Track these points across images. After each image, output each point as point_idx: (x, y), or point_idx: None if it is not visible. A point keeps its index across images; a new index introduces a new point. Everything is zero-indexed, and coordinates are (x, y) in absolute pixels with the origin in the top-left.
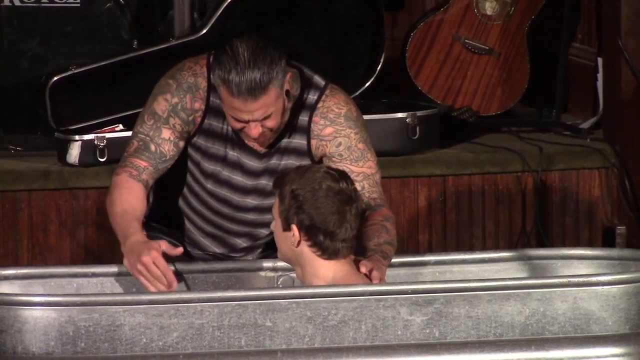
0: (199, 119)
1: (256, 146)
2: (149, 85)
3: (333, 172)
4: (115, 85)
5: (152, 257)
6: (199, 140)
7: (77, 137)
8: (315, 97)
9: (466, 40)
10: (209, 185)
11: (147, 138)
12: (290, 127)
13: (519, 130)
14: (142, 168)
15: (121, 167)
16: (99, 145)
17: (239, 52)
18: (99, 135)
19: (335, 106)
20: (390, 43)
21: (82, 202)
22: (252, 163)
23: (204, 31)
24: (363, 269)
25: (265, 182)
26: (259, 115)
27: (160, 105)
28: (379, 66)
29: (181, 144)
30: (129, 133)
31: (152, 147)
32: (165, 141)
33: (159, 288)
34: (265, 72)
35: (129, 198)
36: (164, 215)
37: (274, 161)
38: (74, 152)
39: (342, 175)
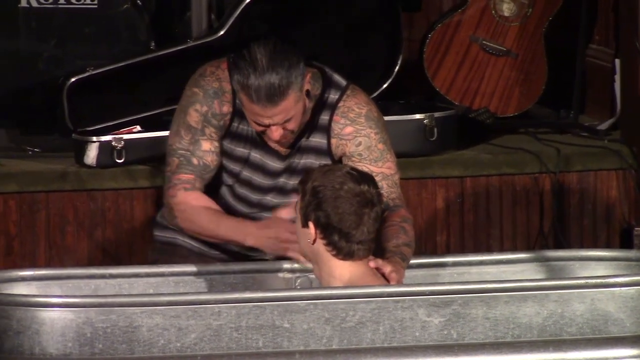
0: (228, 122)
1: (277, 147)
2: (166, 87)
3: (356, 173)
4: (133, 87)
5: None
6: (225, 143)
7: (94, 139)
8: (337, 97)
9: (484, 42)
10: (230, 184)
11: (188, 153)
12: (310, 126)
13: (536, 132)
14: (192, 180)
15: (172, 188)
16: (117, 147)
17: (256, 57)
18: (116, 136)
19: (356, 106)
20: (408, 44)
21: (99, 203)
22: (274, 164)
23: (222, 32)
24: (385, 269)
25: (284, 181)
26: (279, 119)
27: (193, 117)
28: (397, 67)
29: (220, 151)
30: (147, 134)
31: (195, 161)
32: (206, 153)
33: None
34: (283, 77)
35: (204, 205)
36: None
37: (294, 160)
38: (92, 154)
39: (365, 178)
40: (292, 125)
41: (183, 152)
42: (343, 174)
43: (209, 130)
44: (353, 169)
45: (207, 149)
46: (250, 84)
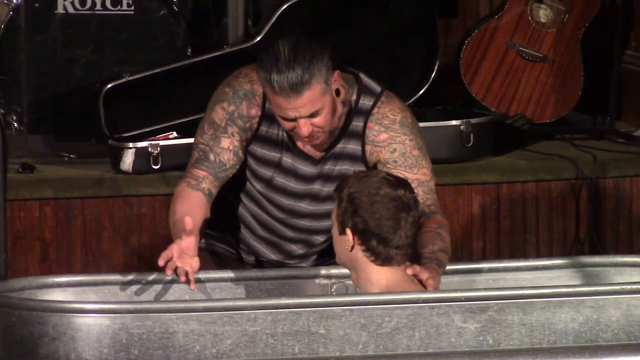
0: (255, 126)
1: (311, 151)
2: (202, 93)
3: (392, 178)
4: (169, 93)
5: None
6: (255, 147)
7: (130, 145)
8: (371, 103)
9: (520, 48)
10: (263, 191)
11: (207, 148)
12: (345, 132)
13: (572, 138)
14: (202, 177)
15: (182, 178)
16: (153, 153)
17: (280, 51)
18: (152, 142)
19: (391, 112)
20: (444, 50)
21: (135, 209)
22: (307, 169)
23: (258, 38)
24: (423, 276)
25: (319, 187)
26: (305, 111)
27: (219, 114)
28: (433, 73)
29: (241, 153)
30: (183, 140)
31: (212, 157)
32: (224, 150)
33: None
34: (306, 67)
35: (184, 207)
36: (220, 221)
37: (328, 166)
38: (128, 160)
39: (401, 183)
40: (320, 121)
41: (203, 146)
42: (379, 179)
43: (231, 129)
44: (388, 174)
45: (226, 146)
46: (273, 76)
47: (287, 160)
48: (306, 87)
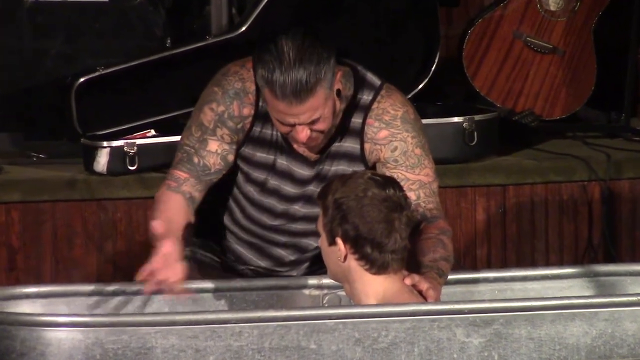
0: (247, 126)
1: (306, 152)
2: (183, 87)
3: (378, 177)
4: (147, 87)
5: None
6: (247, 149)
7: (105, 144)
8: (370, 98)
9: (528, 38)
10: (255, 194)
11: (192, 150)
12: (342, 129)
13: (585, 136)
14: (182, 180)
15: (164, 182)
16: (129, 152)
17: (283, 51)
18: (129, 141)
19: (391, 107)
20: (446, 41)
21: (110, 213)
22: (303, 171)
23: (243, 28)
24: (422, 286)
25: (313, 189)
26: (305, 118)
27: (207, 115)
28: (433, 66)
29: (230, 157)
30: (162, 139)
31: (195, 160)
32: (210, 154)
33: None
34: (311, 72)
35: (163, 211)
36: (202, 227)
37: (325, 167)
38: (102, 160)
39: (389, 182)
40: (320, 126)
41: (188, 148)
42: (365, 180)
43: (220, 132)
44: (374, 173)
45: (213, 149)
46: (275, 79)
47: (282, 162)
48: (310, 94)
